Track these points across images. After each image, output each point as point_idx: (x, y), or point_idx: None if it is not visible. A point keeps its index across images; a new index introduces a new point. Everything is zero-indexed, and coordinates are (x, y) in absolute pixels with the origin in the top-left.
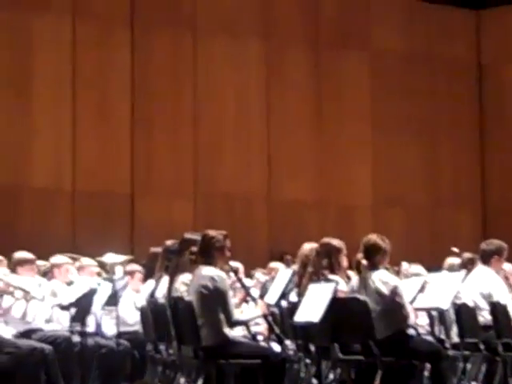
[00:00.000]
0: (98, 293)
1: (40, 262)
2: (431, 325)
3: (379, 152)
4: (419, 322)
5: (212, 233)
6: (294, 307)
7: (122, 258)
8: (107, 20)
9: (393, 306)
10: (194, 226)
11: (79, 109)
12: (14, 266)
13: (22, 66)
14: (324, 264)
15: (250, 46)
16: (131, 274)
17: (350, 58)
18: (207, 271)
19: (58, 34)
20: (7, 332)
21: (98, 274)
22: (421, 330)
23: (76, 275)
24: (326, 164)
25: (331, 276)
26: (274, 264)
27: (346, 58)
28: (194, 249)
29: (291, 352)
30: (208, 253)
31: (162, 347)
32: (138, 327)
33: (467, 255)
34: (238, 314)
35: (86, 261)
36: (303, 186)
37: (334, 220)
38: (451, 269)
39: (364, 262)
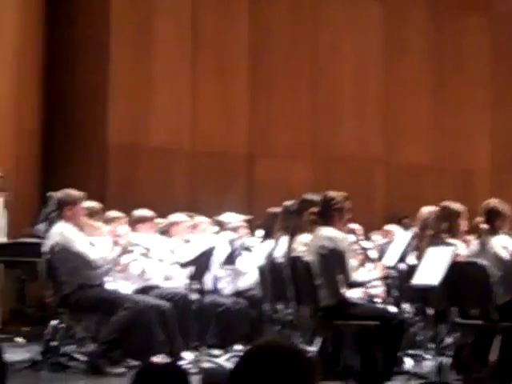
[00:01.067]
0: (217, 251)
1: (158, 220)
2: None
3: (499, 115)
4: None
5: (332, 194)
6: (412, 270)
7: (240, 217)
8: None
9: None
10: (313, 187)
11: (199, 69)
12: (133, 224)
13: (142, 27)
14: (443, 227)
15: (370, 8)
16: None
17: (471, 21)
18: (327, 232)
19: None
20: (127, 288)
21: (216, 233)
22: None
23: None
24: (445, 127)
25: (450, 240)
26: (390, 226)
27: (466, 22)
28: (314, 209)
29: (407, 315)
30: (328, 214)
31: (279, 307)
32: (255, 286)
33: None
34: (356, 275)
35: (199, 218)
36: (422, 150)
37: (452, 184)
38: None
39: (484, 226)
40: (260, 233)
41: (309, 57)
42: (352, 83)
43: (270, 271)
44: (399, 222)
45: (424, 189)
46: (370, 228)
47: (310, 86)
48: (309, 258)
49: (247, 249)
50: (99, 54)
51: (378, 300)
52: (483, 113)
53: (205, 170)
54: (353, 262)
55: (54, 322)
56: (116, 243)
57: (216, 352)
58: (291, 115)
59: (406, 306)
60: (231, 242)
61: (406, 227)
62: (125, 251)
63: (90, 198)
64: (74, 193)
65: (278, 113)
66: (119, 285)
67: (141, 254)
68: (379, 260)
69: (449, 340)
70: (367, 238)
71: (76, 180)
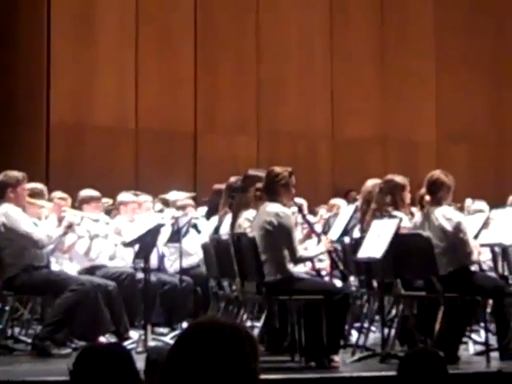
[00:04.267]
0: (162, 230)
1: (104, 200)
2: (494, 261)
3: (443, 88)
4: (482, 258)
5: (278, 169)
6: (356, 243)
7: (185, 195)
8: None
9: (456, 242)
10: (258, 163)
11: (142, 46)
12: (79, 204)
13: (84, 2)
14: (387, 200)
15: None
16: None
17: None
18: (272, 207)
19: None
20: (72, 269)
21: (161, 211)
22: (484, 267)
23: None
24: (390, 101)
25: (394, 212)
26: (335, 200)
27: None
28: (259, 185)
29: (354, 288)
30: (273, 189)
31: (224, 283)
32: (201, 264)
33: None
34: (301, 250)
35: (144, 197)
36: (366, 123)
37: (397, 157)
38: None
39: (427, 198)
40: (203, 210)
41: (253, 32)
42: (297, 57)
43: (215, 248)
44: (345, 195)
45: (369, 162)
46: (316, 202)
47: (254, 61)
48: (253, 233)
49: (195, 226)
50: (40, 30)
51: (324, 274)
52: (427, 84)
53: (149, 147)
54: (298, 236)
55: None
56: (61, 221)
57: (162, 330)
58: (235, 90)
59: (352, 279)
60: (176, 219)
61: (352, 201)
62: (74, 226)
63: (33, 179)
64: (14, 174)
65: (223, 88)
66: (64, 266)
67: (86, 230)
68: (325, 234)
69: (394, 312)
70: (313, 213)
71: (19, 161)
